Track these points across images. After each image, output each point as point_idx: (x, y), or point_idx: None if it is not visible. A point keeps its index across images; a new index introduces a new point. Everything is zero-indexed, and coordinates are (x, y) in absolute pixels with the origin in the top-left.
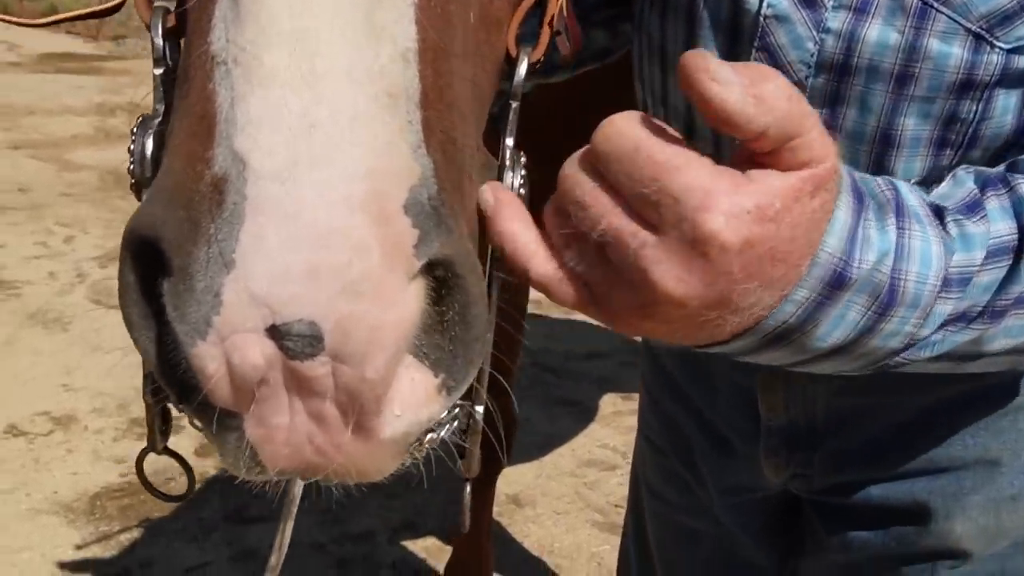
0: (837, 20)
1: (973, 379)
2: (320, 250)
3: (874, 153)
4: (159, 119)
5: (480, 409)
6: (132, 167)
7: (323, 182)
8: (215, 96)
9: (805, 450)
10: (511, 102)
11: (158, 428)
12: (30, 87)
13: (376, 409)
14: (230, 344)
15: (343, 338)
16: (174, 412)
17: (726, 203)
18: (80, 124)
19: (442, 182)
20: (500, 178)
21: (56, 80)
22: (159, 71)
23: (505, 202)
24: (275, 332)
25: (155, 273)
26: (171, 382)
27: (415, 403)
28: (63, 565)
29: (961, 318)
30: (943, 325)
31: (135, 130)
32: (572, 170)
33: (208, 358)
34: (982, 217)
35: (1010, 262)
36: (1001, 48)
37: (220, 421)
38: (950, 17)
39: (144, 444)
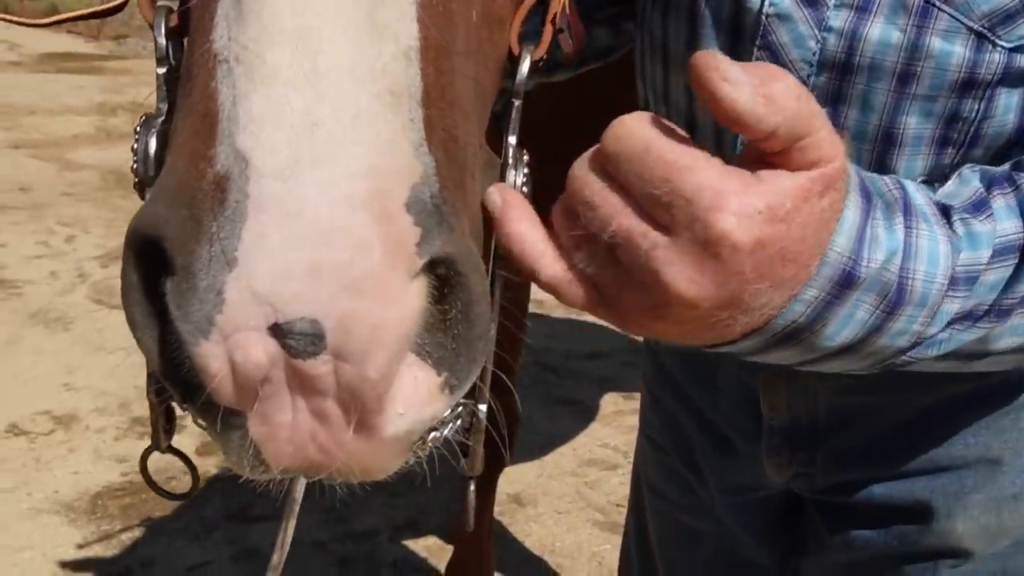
0: (839, 19)
1: (975, 378)
2: (322, 248)
3: (876, 152)
4: (162, 118)
5: (483, 407)
6: (135, 166)
7: (325, 180)
8: (217, 94)
9: (807, 449)
10: (513, 100)
11: (162, 427)
12: (31, 87)
13: (378, 407)
14: (233, 343)
15: (345, 336)
16: (177, 411)
17: (737, 203)
18: (81, 124)
19: (444, 180)
20: (503, 176)
21: (57, 80)
22: (162, 70)
23: (513, 203)
24: (277, 330)
25: (158, 272)
26: (175, 381)
27: (418, 401)
28: (64, 564)
29: (968, 316)
30: (950, 323)
31: (138, 129)
32: (581, 171)
33: (211, 357)
34: (988, 216)
35: (1016, 260)
36: (1003, 47)
37: (224, 420)
38: (952, 16)
39: (146, 443)
